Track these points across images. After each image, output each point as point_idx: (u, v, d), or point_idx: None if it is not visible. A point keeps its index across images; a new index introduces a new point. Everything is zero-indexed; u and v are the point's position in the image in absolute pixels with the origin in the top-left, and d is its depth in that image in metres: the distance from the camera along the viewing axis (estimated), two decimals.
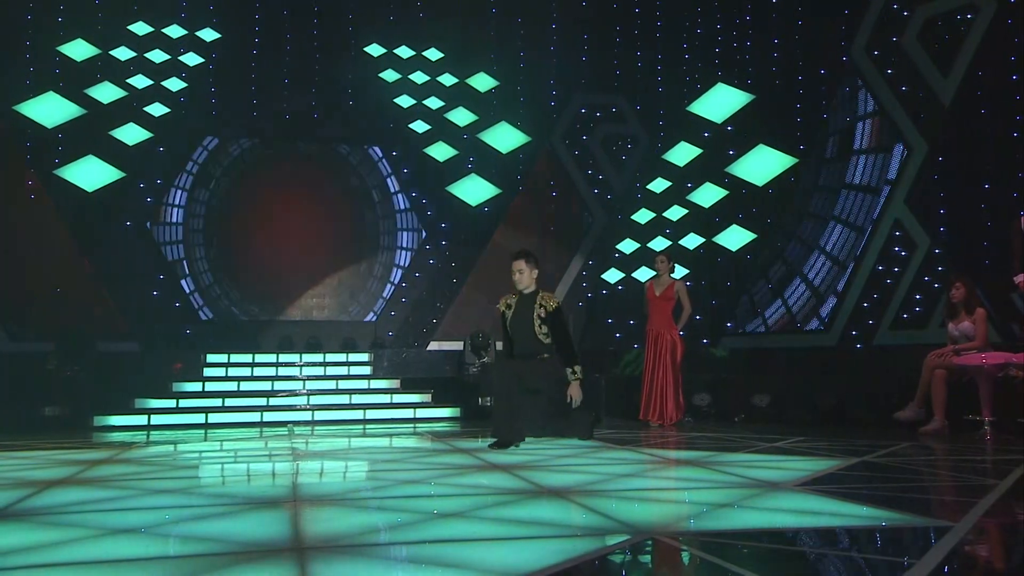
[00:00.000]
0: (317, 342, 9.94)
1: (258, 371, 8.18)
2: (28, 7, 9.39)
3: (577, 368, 5.07)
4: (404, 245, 11.20)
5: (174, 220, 10.40)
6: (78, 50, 9.57)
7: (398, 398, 7.86)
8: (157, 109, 9.76)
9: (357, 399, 7.75)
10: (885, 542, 2.43)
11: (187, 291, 10.26)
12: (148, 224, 10.00)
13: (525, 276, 5.13)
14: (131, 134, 9.60)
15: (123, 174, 9.46)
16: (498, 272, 10.62)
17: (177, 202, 10.45)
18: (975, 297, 5.70)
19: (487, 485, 3.53)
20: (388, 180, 11.30)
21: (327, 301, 11.01)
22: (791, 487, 3.27)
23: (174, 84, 9.92)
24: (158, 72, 9.86)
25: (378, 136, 11.04)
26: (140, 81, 9.77)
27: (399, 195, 11.23)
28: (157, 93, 9.80)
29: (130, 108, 9.64)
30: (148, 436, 6.22)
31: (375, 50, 10.76)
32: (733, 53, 9.93)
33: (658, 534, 2.45)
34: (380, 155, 11.24)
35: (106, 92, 9.59)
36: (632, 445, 5.13)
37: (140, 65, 9.80)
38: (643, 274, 9.85)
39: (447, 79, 10.84)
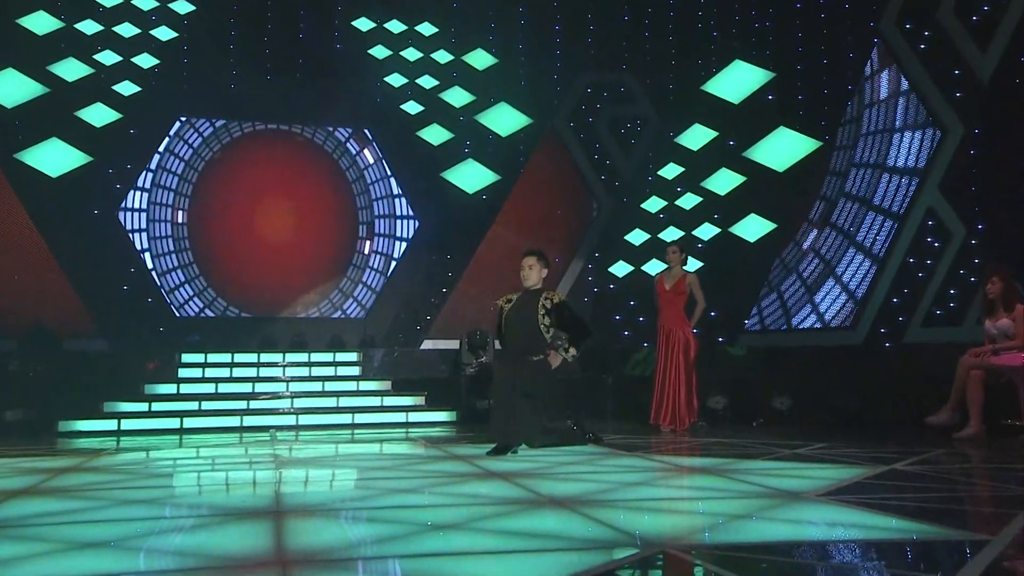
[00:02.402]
0: (302, 340, 9.94)
1: (237, 372, 8.18)
2: None
3: (574, 348, 5.24)
4: (396, 236, 11.18)
5: (145, 207, 10.37)
6: (40, 23, 9.52)
7: (389, 401, 7.87)
8: (127, 88, 9.72)
9: (345, 402, 7.75)
10: (916, 557, 2.43)
11: (160, 285, 10.24)
12: (117, 212, 9.97)
13: (534, 273, 5.34)
14: (98, 115, 9.57)
15: (90, 158, 9.43)
16: (497, 265, 10.68)
17: (148, 186, 10.41)
18: (1014, 292, 5.68)
19: (485, 494, 3.54)
20: (379, 165, 11.27)
21: (312, 296, 10.99)
22: (814, 497, 3.28)
23: (145, 60, 9.88)
24: (128, 47, 9.81)
25: (367, 118, 11.01)
26: (108, 57, 9.74)
27: (391, 181, 11.21)
28: (126, 70, 9.76)
29: (97, 86, 9.60)
30: (118, 442, 6.23)
31: (364, 24, 10.72)
32: (752, 27, 9.89)
33: (669, 548, 2.45)
34: (370, 138, 11.21)
35: (71, 69, 9.55)
36: (641, 451, 5.16)
37: (108, 40, 9.76)
38: (654, 267, 9.85)
39: (442, 56, 10.80)
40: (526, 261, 5.35)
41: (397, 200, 11.19)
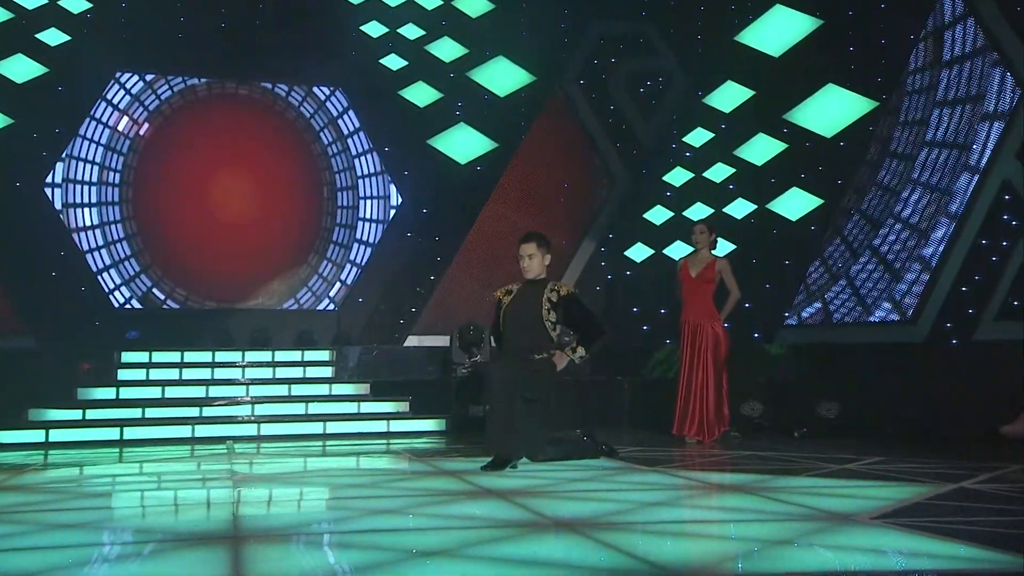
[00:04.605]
0: (264, 336, 9.93)
1: (188, 373, 8.18)
2: None
3: (582, 349, 5.24)
4: (374, 215, 11.16)
5: (79, 178, 10.33)
6: None
7: (367, 407, 7.88)
8: (54, 36, 9.66)
9: (315, 408, 7.76)
10: None
11: (96, 271, 10.22)
12: (43, 185, 9.93)
13: (535, 262, 5.34)
14: (20, 68, 9.51)
15: (10, 120, 9.39)
16: (493, 248, 10.66)
17: (83, 156, 10.38)
18: None
19: (480, 516, 3.56)
20: (352, 130, 11.23)
21: (277, 284, 10.98)
22: (866, 520, 3.29)
23: (75, 4, 9.81)
24: None
25: (340, 75, 10.95)
26: (30, 0, 9.66)
27: (368, 152, 11.17)
28: (54, 15, 9.69)
29: (18, 35, 9.53)
30: (46, 456, 6.22)
31: None
32: None
33: None
34: (343, 100, 11.16)
35: None
36: (663, 466, 5.18)
37: None
38: (677, 250, 9.84)
39: (429, 1, 10.74)
40: (524, 248, 5.34)
41: (376, 176, 11.15)
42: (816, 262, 9.38)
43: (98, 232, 10.43)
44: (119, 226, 10.60)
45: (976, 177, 7.93)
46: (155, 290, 10.58)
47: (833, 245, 9.34)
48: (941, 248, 8.07)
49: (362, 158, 11.17)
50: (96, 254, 10.36)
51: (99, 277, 10.21)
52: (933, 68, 8.72)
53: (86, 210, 10.38)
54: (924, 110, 8.75)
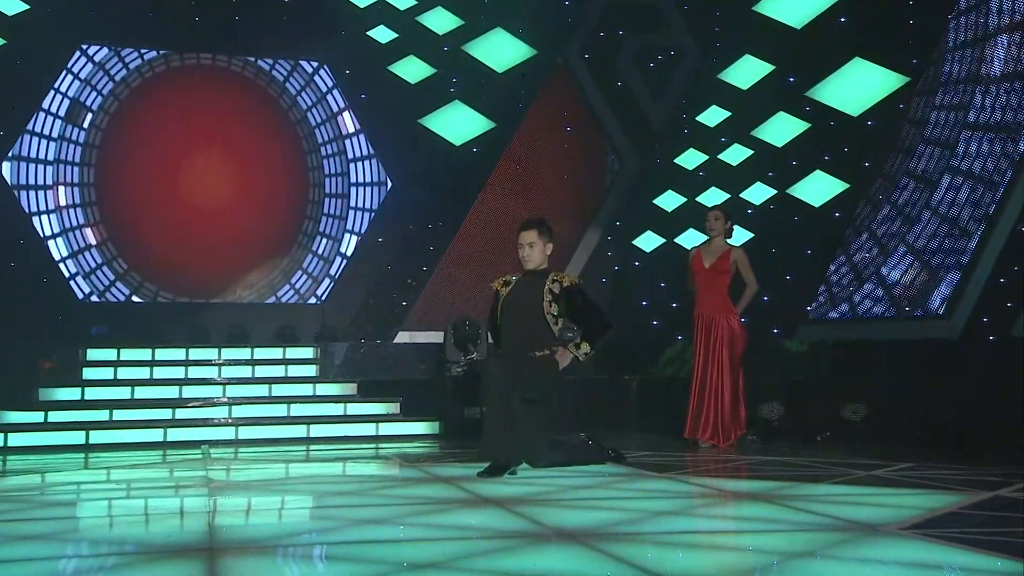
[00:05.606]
0: (242, 332, 9.94)
1: (160, 372, 8.18)
2: None
3: (587, 345, 5.22)
4: (362, 200, 11.16)
5: (39, 160, 10.33)
6: None
7: (354, 408, 7.90)
8: (11, 5, 9.63)
9: (298, 410, 7.78)
10: None
11: (59, 261, 10.21)
12: (1, 166, 9.93)
13: (536, 252, 5.36)
14: None
15: None
16: (491, 237, 10.67)
17: (44, 136, 10.37)
18: None
19: (476, 526, 3.58)
20: (338, 110, 11.23)
21: (256, 276, 10.99)
22: (895, 530, 3.30)
23: None
24: None
25: (325, 49, 10.94)
26: None
27: (355, 133, 11.17)
28: None
29: None
30: (5, 462, 6.24)
31: None
32: None
33: None
34: (328, 76, 11.15)
35: None
36: (675, 472, 5.20)
37: None
38: (690, 239, 9.84)
39: None
40: (524, 236, 5.36)
41: (364, 158, 11.15)
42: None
43: (56, 216, 10.43)
44: (91, 208, 10.59)
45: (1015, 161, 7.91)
46: (120, 284, 10.59)
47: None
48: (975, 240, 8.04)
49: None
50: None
51: (53, 259, 10.20)
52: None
53: (47, 193, 10.38)
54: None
